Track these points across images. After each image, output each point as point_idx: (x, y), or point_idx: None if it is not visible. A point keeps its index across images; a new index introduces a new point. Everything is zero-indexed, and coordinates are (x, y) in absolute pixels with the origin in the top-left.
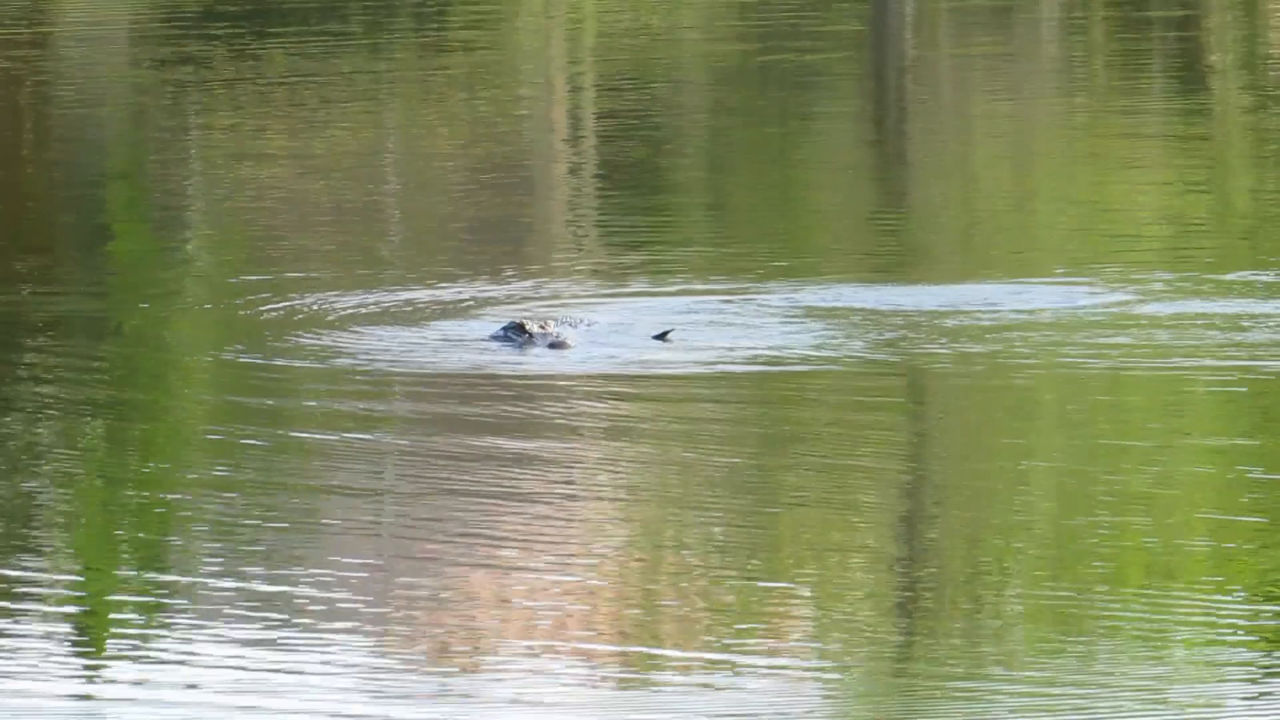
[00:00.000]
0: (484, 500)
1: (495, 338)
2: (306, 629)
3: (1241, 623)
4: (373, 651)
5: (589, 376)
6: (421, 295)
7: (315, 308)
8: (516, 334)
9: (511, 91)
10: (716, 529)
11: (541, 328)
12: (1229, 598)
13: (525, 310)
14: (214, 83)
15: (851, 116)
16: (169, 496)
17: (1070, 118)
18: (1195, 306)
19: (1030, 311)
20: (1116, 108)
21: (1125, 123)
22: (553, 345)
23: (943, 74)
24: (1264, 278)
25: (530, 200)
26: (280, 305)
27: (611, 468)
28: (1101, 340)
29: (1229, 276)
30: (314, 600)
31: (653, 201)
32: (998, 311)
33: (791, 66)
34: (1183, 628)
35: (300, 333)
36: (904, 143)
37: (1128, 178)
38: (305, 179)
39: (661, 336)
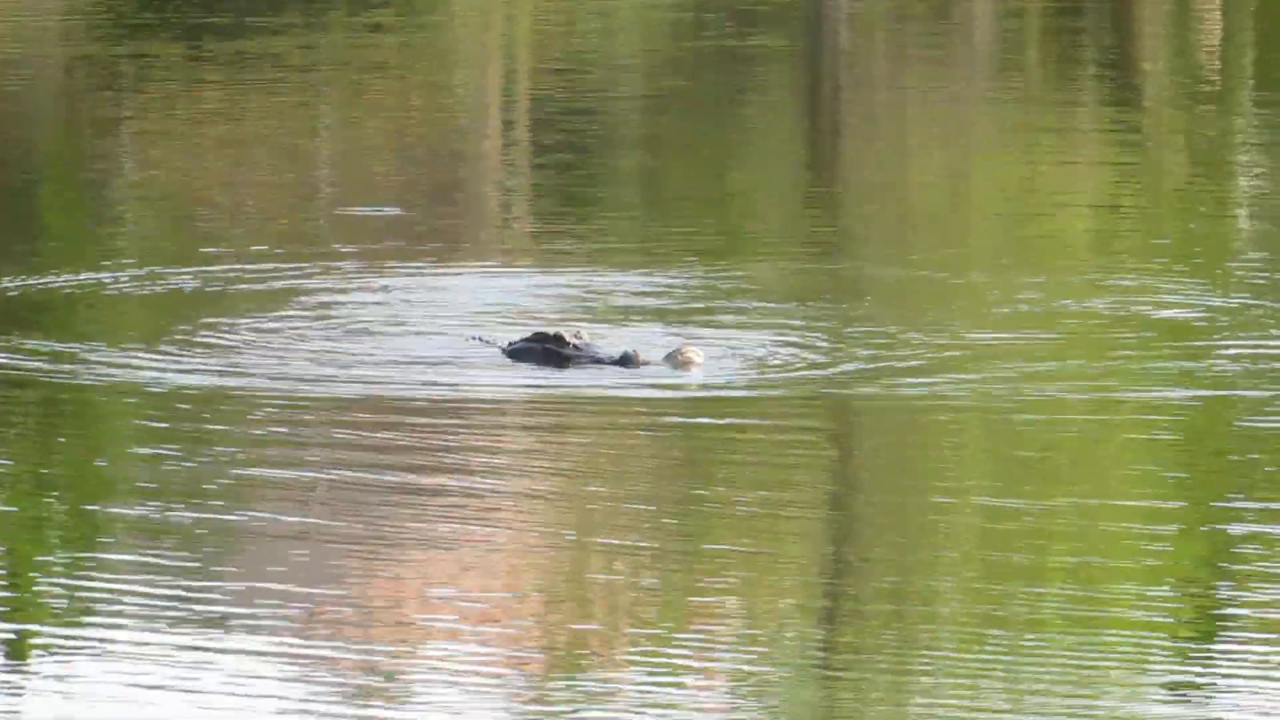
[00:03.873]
0: (407, 528)
1: (517, 353)
2: (232, 667)
3: (1164, 664)
4: (297, 682)
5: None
6: (350, 288)
7: (262, 310)
8: (557, 345)
9: (446, 75)
10: (641, 561)
11: (577, 337)
12: (1153, 632)
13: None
14: (148, 63)
15: (786, 104)
16: (93, 519)
17: (1003, 108)
18: (1126, 321)
19: (956, 331)
20: (1049, 99)
21: (1058, 114)
22: (624, 361)
23: (877, 63)
24: (1191, 285)
25: (463, 184)
26: (220, 308)
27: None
28: (1026, 360)
29: (1164, 287)
30: (240, 636)
31: (585, 187)
32: (924, 328)
33: (727, 53)
34: (1108, 668)
35: (265, 346)
36: (838, 133)
37: (1058, 171)
38: (237, 162)
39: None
